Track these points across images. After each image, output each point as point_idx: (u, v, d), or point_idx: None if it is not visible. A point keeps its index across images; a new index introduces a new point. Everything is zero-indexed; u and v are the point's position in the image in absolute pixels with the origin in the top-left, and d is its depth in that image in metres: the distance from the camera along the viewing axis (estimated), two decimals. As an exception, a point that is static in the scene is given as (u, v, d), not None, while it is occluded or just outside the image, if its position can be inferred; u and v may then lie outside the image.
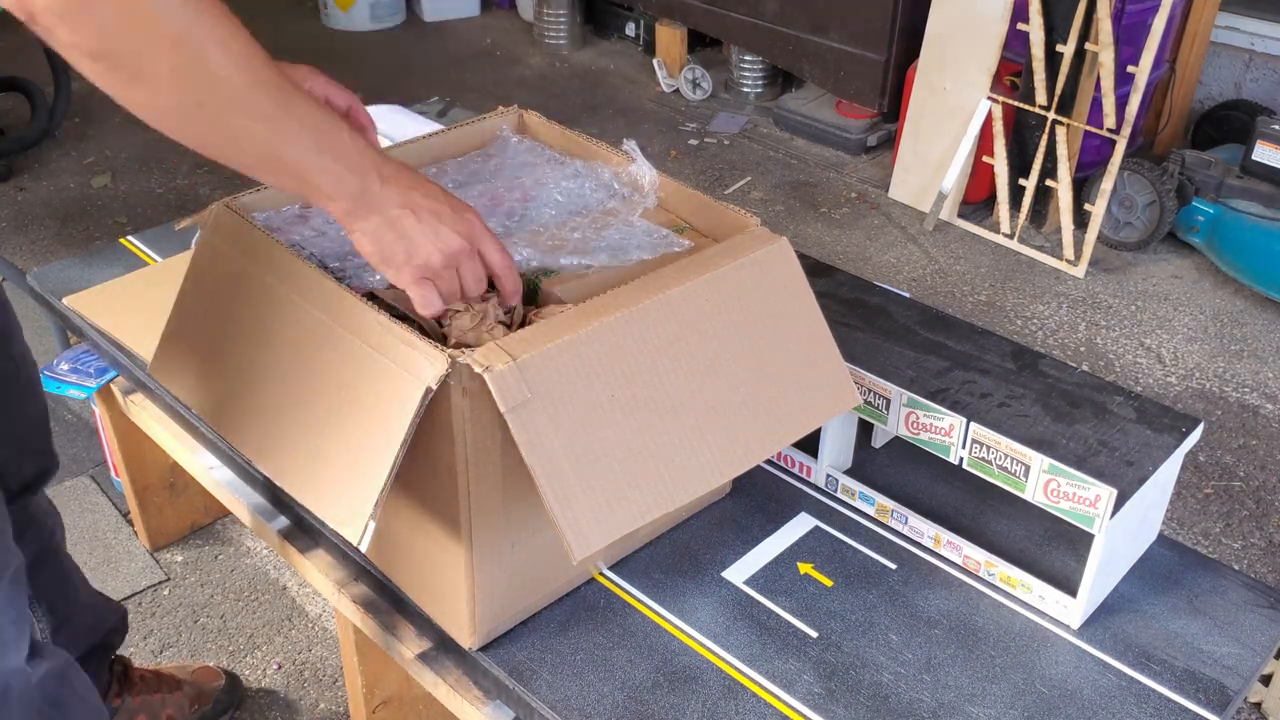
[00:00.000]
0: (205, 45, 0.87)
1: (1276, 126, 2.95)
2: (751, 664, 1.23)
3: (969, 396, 1.34)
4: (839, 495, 1.47)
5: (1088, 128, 3.10)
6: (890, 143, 3.75)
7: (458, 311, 1.15)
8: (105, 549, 2.11)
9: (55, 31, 0.83)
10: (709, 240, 1.32)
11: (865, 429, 1.53)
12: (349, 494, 1.05)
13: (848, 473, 1.47)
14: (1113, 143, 3.01)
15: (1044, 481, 1.25)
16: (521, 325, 1.18)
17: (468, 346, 1.05)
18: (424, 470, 1.13)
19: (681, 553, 1.38)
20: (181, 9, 0.85)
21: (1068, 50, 2.99)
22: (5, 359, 1.37)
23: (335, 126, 0.97)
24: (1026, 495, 1.27)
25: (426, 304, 1.05)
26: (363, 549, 1.04)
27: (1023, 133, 3.25)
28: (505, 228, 1.34)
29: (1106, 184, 3.04)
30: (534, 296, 1.23)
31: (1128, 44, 3.02)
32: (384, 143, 1.76)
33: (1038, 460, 1.25)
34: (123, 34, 0.84)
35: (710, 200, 1.34)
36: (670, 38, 4.33)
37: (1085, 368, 2.50)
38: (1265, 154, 2.96)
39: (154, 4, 0.84)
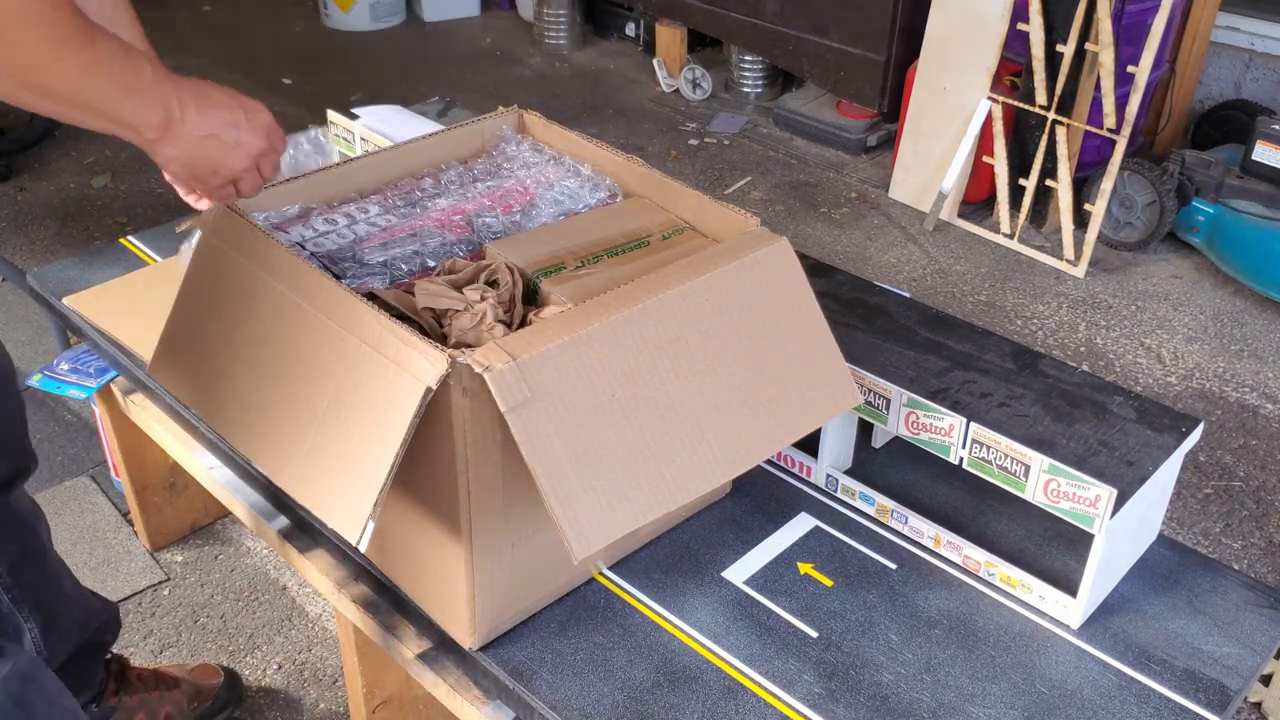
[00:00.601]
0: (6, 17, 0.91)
1: (1276, 126, 2.95)
2: (751, 664, 1.23)
3: (969, 396, 1.34)
4: (839, 495, 1.47)
5: (1088, 128, 3.10)
6: (890, 143, 3.75)
7: (457, 311, 1.15)
8: (105, 549, 2.10)
9: None
10: (709, 240, 1.32)
11: (865, 429, 1.53)
12: (348, 494, 1.05)
13: (848, 473, 1.47)
14: (1113, 143, 3.01)
15: (1044, 481, 1.25)
16: (522, 325, 1.18)
17: (468, 346, 1.06)
18: (424, 470, 1.13)
19: (681, 553, 1.38)
20: None
21: (1068, 50, 2.99)
22: None
23: (136, 64, 1.03)
24: (1026, 495, 1.27)
25: (227, 200, 1.19)
26: (362, 549, 1.04)
27: (1023, 133, 3.25)
28: (506, 228, 1.34)
29: (1106, 184, 3.04)
30: (533, 297, 1.23)
31: (1128, 44, 3.02)
32: (384, 144, 1.76)
33: (1038, 460, 1.25)
34: None
35: (710, 200, 1.34)
36: (670, 38, 4.33)
37: (1085, 368, 2.50)
38: (1265, 154, 2.96)
39: None
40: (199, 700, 1.74)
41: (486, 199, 1.38)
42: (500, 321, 1.15)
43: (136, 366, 1.67)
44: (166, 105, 1.06)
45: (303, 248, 1.26)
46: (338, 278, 1.17)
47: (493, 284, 1.21)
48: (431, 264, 1.27)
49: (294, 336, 1.14)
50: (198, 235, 1.30)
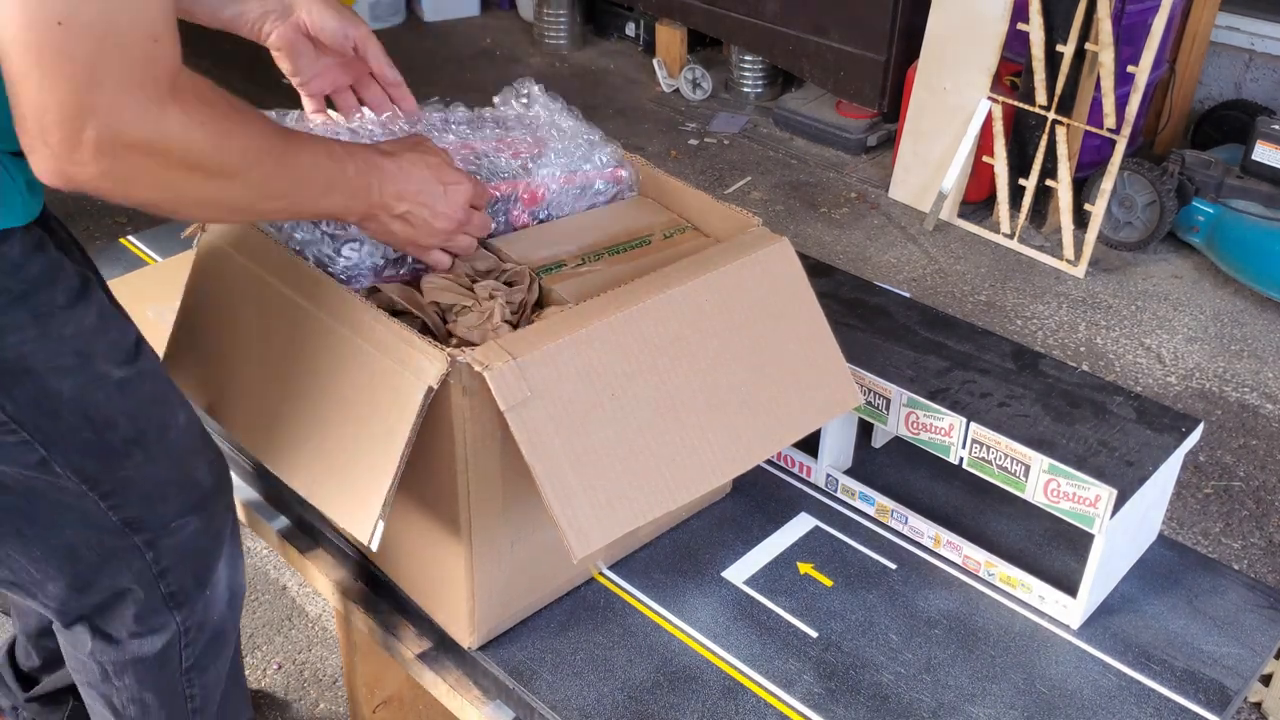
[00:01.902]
0: (226, 166, 0.93)
1: (1276, 126, 2.95)
2: (751, 664, 1.23)
3: (969, 396, 1.34)
4: (839, 495, 1.47)
5: (1088, 128, 3.11)
6: (890, 143, 3.75)
7: (465, 307, 1.15)
8: (105, 549, 2.10)
9: (100, 190, 0.87)
10: (710, 240, 1.32)
11: (865, 429, 1.53)
12: (356, 494, 1.05)
13: (848, 473, 1.47)
14: (1113, 143, 3.02)
15: (1044, 481, 1.25)
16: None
17: (470, 344, 1.05)
18: (424, 469, 1.13)
19: (681, 553, 1.38)
20: (202, 147, 0.90)
21: (1068, 50, 2.99)
22: None
23: (338, 164, 1.04)
24: (1026, 495, 1.27)
25: (439, 265, 1.18)
26: (373, 548, 1.04)
27: (1023, 133, 3.25)
28: (514, 172, 1.33)
29: (1106, 184, 3.04)
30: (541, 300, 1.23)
31: (1128, 44, 3.02)
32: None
33: (1038, 460, 1.25)
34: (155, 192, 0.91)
35: (711, 200, 1.34)
36: (670, 38, 4.33)
37: (1085, 368, 2.50)
38: (1265, 154, 2.96)
39: (183, 156, 0.89)
40: None
41: (496, 143, 1.36)
42: (507, 322, 1.15)
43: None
44: (368, 195, 1.06)
45: (304, 249, 1.24)
46: (339, 279, 1.17)
47: (511, 284, 1.20)
48: None
49: (297, 337, 1.14)
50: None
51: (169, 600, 1.17)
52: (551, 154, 1.35)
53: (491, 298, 1.15)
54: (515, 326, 1.16)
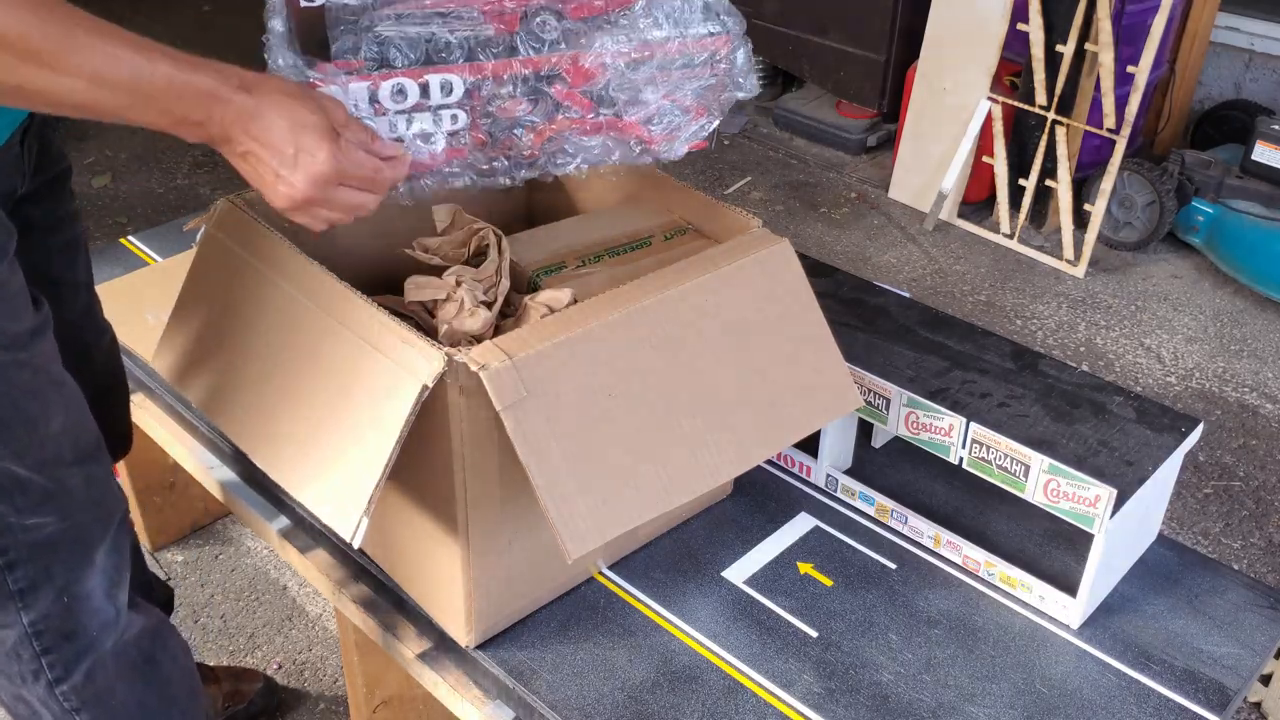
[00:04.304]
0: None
1: (1276, 126, 2.95)
2: (751, 664, 1.23)
3: (969, 396, 1.34)
4: (839, 495, 1.47)
5: (1087, 128, 3.10)
6: (890, 143, 3.75)
7: (441, 301, 1.15)
8: (105, 549, 2.10)
9: None
10: (711, 241, 1.32)
11: (865, 429, 1.53)
12: (344, 490, 1.05)
13: (848, 473, 1.47)
14: (1112, 143, 3.01)
15: (1044, 481, 1.25)
16: (506, 308, 1.17)
17: (467, 335, 1.05)
18: (422, 467, 1.13)
19: (681, 553, 1.38)
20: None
21: (1068, 50, 2.99)
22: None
23: (185, 73, 0.93)
24: (1026, 495, 1.27)
25: (314, 226, 1.03)
26: (356, 545, 1.03)
27: (1023, 133, 3.25)
28: (564, 36, 1.10)
29: (1106, 184, 3.04)
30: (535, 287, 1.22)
31: (1128, 44, 3.02)
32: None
33: (1038, 460, 1.25)
34: None
35: (712, 201, 1.34)
36: (670, 38, 4.33)
37: (1085, 368, 2.50)
38: (1265, 154, 2.96)
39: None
40: (234, 701, 1.75)
41: None
42: (482, 303, 1.13)
43: (137, 366, 1.67)
44: (208, 119, 0.95)
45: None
46: (324, 46, 1.02)
47: (482, 253, 1.18)
48: (444, 57, 1.04)
49: (294, 332, 1.14)
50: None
51: (17, 597, 1.11)
52: (640, 9, 1.07)
53: (458, 284, 1.14)
54: (490, 304, 1.15)
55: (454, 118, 1.07)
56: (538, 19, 1.07)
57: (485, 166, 1.11)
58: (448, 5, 1.06)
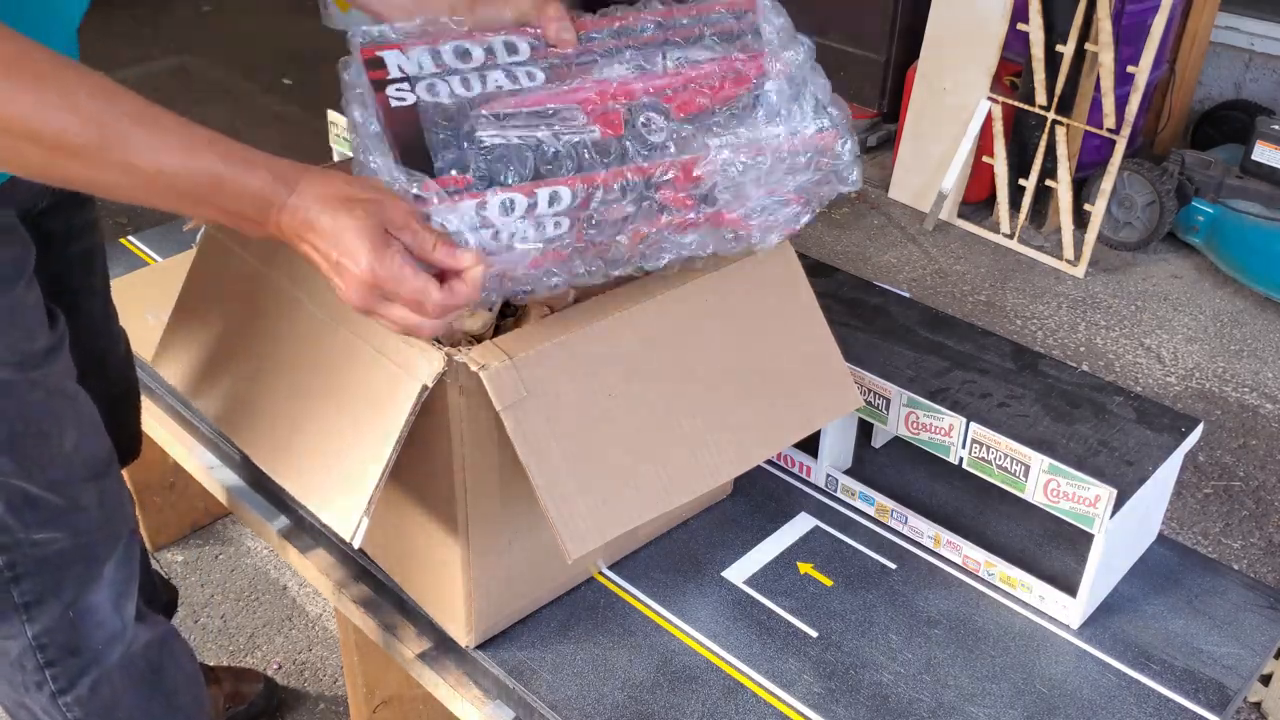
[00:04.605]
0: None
1: (1276, 126, 2.95)
2: (751, 664, 1.23)
3: (969, 396, 1.34)
4: (839, 495, 1.47)
5: (1088, 128, 3.11)
6: (890, 143, 3.75)
7: None
8: (105, 549, 2.10)
9: None
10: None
11: (865, 429, 1.53)
12: (343, 490, 1.05)
13: (848, 472, 1.47)
14: (1112, 143, 3.01)
15: (1044, 481, 1.25)
16: (506, 308, 1.16)
17: (475, 340, 1.05)
18: (422, 468, 1.13)
19: (681, 553, 1.38)
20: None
21: (1068, 50, 2.99)
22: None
23: (231, 167, 0.89)
24: (1026, 495, 1.27)
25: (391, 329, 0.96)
26: (355, 545, 1.04)
27: (1023, 133, 3.25)
28: (671, 135, 1.03)
29: (1106, 184, 3.04)
30: None
31: (1128, 44, 3.02)
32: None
33: (1038, 460, 1.25)
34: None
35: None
36: (670, 38, 4.33)
37: (1085, 368, 2.50)
38: (1265, 154, 2.96)
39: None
40: (235, 702, 1.75)
41: (681, 75, 1.01)
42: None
43: (137, 366, 1.67)
44: (265, 214, 0.90)
45: (410, 87, 0.98)
46: (427, 156, 0.94)
47: None
48: (551, 170, 0.97)
49: (294, 331, 1.14)
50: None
51: (22, 610, 1.11)
52: (767, 92, 1.01)
53: None
54: (490, 305, 1.14)
55: (557, 224, 0.98)
56: (642, 119, 1.01)
57: (581, 270, 1.02)
58: (547, 104, 1.00)
